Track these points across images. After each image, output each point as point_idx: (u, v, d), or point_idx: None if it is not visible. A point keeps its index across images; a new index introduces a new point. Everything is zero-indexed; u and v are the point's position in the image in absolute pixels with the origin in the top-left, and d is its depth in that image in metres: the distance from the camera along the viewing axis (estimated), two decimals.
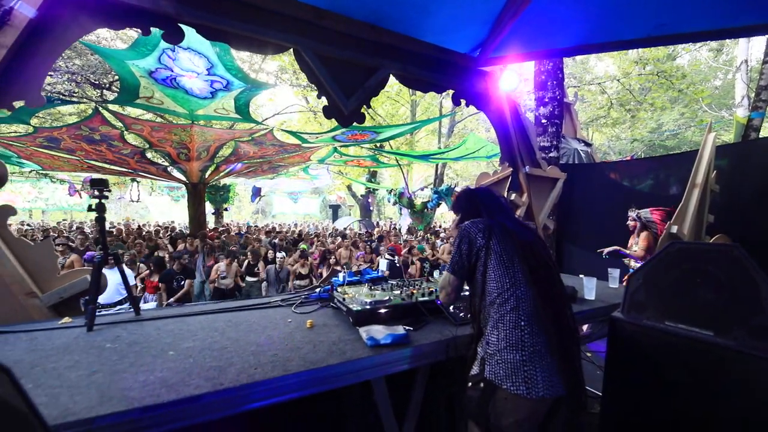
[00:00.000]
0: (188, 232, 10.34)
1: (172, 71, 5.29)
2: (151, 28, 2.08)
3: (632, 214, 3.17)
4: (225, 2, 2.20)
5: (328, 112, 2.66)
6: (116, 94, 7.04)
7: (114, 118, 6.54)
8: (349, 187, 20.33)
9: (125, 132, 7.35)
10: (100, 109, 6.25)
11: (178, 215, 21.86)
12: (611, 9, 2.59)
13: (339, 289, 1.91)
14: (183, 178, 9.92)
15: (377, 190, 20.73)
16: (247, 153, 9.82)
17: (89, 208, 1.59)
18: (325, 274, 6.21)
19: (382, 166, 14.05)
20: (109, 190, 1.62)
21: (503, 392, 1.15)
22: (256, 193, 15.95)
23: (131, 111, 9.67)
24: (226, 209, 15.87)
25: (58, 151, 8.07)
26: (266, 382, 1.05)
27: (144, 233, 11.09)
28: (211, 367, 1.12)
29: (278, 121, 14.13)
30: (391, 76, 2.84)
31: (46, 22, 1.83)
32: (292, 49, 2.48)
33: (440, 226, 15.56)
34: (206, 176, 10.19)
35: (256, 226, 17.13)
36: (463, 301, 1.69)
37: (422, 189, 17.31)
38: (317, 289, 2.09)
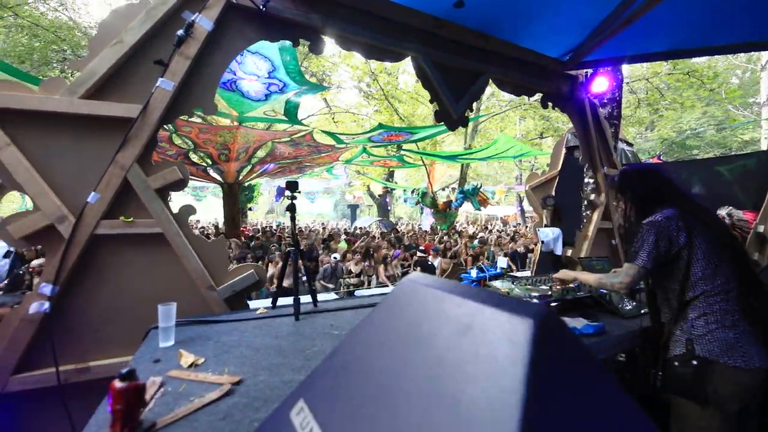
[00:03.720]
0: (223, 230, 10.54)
1: (235, 74, 5.45)
2: (300, 40, 2.22)
3: (722, 212, 3.25)
4: (361, 15, 2.33)
5: (438, 117, 2.78)
6: None
7: None
8: (368, 187, 20.47)
9: (173, 134, 7.54)
10: None
11: (202, 215, 22.18)
12: (717, 14, 2.67)
13: (489, 284, 2.03)
14: (219, 178, 10.13)
15: (394, 189, 20.83)
16: (282, 154, 10.00)
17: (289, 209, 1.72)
18: (377, 273, 6.34)
19: (408, 166, 14.16)
20: (299, 192, 1.75)
21: (721, 366, 1.28)
22: (281, 192, 16.12)
23: None
24: (250, 209, 16.10)
25: None
26: None
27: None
28: None
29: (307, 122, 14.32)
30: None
31: (218, 34, 1.97)
32: (410, 57, 2.61)
33: (472, 225, 15.63)
34: (241, 176, 10.39)
35: (278, 226, 17.31)
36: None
37: (443, 189, 17.38)
38: None
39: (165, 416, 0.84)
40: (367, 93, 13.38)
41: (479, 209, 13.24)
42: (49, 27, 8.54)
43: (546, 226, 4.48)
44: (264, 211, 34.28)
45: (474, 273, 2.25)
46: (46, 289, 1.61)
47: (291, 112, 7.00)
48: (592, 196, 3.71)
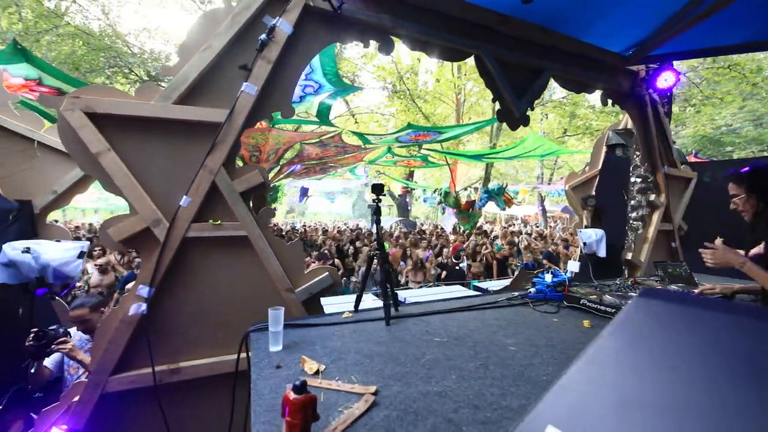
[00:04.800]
0: None
1: None
2: (370, 41, 2.20)
3: None
4: (427, 15, 2.29)
5: (500, 116, 2.71)
6: None
7: None
8: (388, 187, 20.43)
9: None
10: None
11: None
12: None
13: (574, 290, 1.95)
14: None
15: (413, 189, 20.72)
16: (310, 155, 10.09)
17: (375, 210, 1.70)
18: (412, 273, 6.29)
19: (431, 166, 14.05)
20: (384, 194, 1.73)
21: None
22: (304, 193, 16.33)
23: None
24: (275, 209, 16.33)
25: None
26: None
27: None
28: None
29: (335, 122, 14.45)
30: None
31: (295, 38, 1.97)
32: (473, 56, 2.55)
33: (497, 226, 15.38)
34: (270, 177, 10.56)
35: (304, 225, 17.50)
36: None
37: (465, 189, 17.17)
38: (531, 289, 2.14)
39: (324, 429, 0.82)
40: (393, 93, 13.34)
41: (504, 209, 13.02)
42: (97, 36, 8.93)
43: (586, 227, 4.34)
44: (284, 211, 34.81)
45: (549, 278, 2.18)
46: (143, 291, 1.64)
47: (323, 113, 7.04)
48: (652, 197, 3.55)
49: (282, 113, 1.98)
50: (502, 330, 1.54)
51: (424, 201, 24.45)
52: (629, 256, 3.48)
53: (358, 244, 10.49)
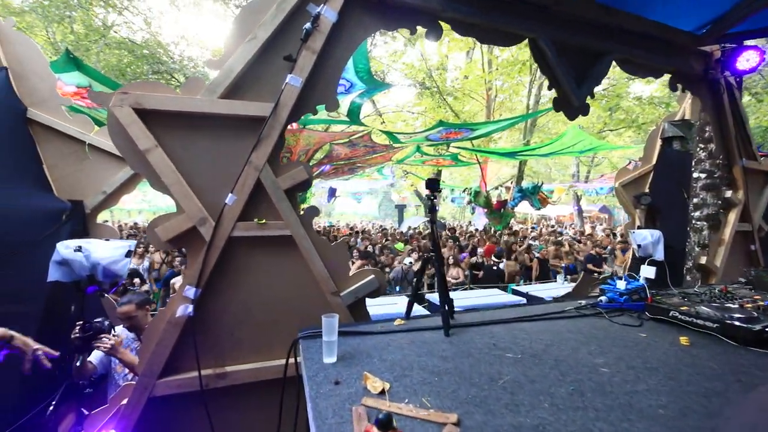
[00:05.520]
0: None
1: None
2: (417, 27, 2.05)
3: None
4: None
5: (557, 105, 2.48)
6: None
7: None
8: (415, 187, 20.20)
9: None
10: None
11: None
12: None
13: (660, 300, 1.70)
14: None
15: (441, 189, 20.35)
16: (339, 155, 10.09)
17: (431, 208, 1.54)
18: (458, 274, 6.07)
19: (460, 165, 13.69)
20: (439, 190, 1.57)
21: None
22: (332, 193, 16.46)
23: None
24: (303, 209, 16.55)
25: None
26: None
27: None
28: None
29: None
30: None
31: (340, 26, 1.85)
32: (527, 40, 2.34)
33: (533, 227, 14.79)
34: None
35: (336, 226, 17.68)
36: None
37: (496, 188, 16.62)
38: (601, 297, 1.90)
39: None
40: (422, 90, 13.11)
41: (539, 208, 12.43)
42: (140, 45, 9.47)
43: (639, 227, 3.95)
44: None
45: (621, 284, 1.92)
46: (190, 292, 1.59)
47: (354, 112, 6.97)
48: (728, 194, 3.14)
49: (326, 106, 1.88)
50: (583, 346, 1.33)
51: (452, 201, 23.97)
52: (703, 260, 3.10)
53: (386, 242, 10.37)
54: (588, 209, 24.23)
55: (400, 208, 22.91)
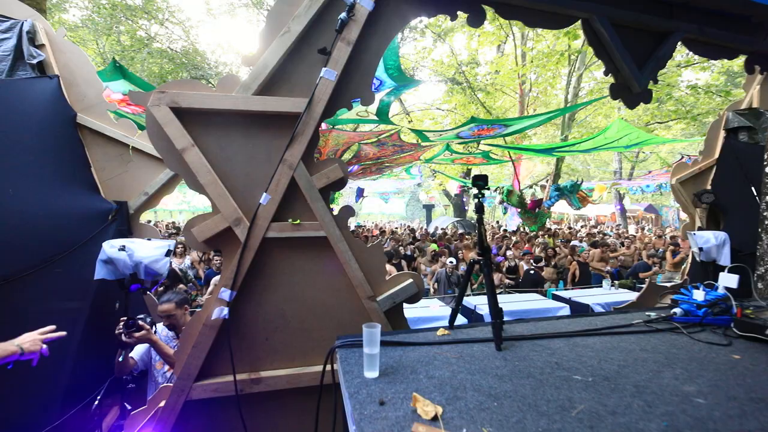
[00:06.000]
0: None
1: None
2: (458, 13, 1.90)
3: None
4: None
5: (615, 92, 2.23)
6: None
7: None
8: (444, 187, 19.85)
9: None
10: None
11: None
12: None
13: (750, 313, 1.45)
14: None
15: (471, 188, 19.83)
16: (367, 154, 10.07)
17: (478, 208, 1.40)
18: (500, 279, 5.82)
19: (492, 163, 13.24)
20: (487, 188, 1.42)
21: None
22: (360, 193, 16.53)
23: None
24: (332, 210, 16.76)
25: None
26: None
27: None
28: None
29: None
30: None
31: (375, 16, 1.74)
32: (580, 21, 2.12)
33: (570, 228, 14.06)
34: None
35: (365, 227, 17.76)
36: None
37: (530, 187, 15.94)
38: (675, 310, 1.65)
39: None
40: (452, 87, 12.80)
41: (579, 208, 11.73)
42: (181, 54, 10.01)
43: (700, 228, 3.53)
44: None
45: (699, 294, 1.67)
46: (225, 294, 1.55)
47: (383, 111, 6.89)
48: None
49: (362, 100, 1.78)
50: (665, 369, 1.13)
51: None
52: None
53: (417, 244, 10.21)
54: (632, 208, 22.63)
55: (428, 208, 22.61)
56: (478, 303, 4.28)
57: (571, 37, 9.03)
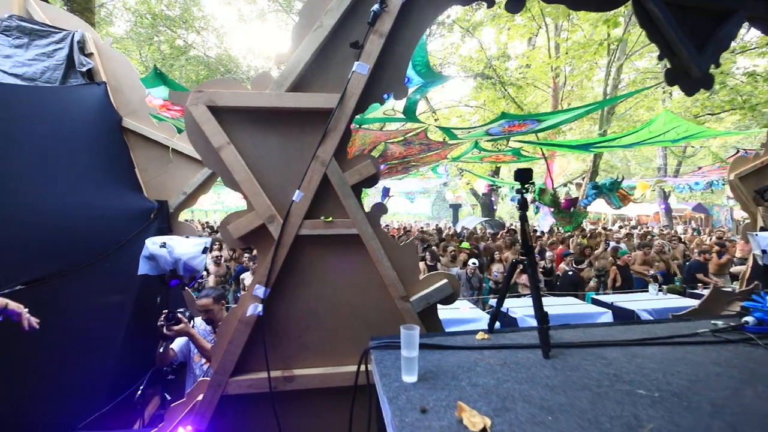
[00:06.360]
0: None
1: None
2: None
3: None
4: None
5: (671, 77, 2.03)
6: None
7: None
8: (471, 186, 19.40)
9: None
10: None
11: None
12: None
13: None
14: None
15: (500, 187, 19.25)
16: (394, 154, 10.02)
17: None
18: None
19: (524, 160, 12.73)
20: (532, 182, 1.32)
21: None
22: (386, 193, 16.50)
23: None
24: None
25: None
26: None
27: None
28: None
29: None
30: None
31: (409, 5, 1.68)
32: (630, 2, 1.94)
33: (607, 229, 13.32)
34: None
35: (390, 226, 17.78)
36: None
37: (564, 185, 15.21)
38: (746, 318, 1.46)
39: None
40: (481, 82, 12.46)
41: (619, 207, 11.03)
42: (216, 61, 10.52)
43: (763, 228, 3.17)
44: None
45: None
46: (259, 291, 1.55)
47: (410, 109, 6.80)
48: None
49: (395, 94, 1.73)
50: (745, 386, 0.99)
51: (512, 200, 22.54)
52: None
53: (443, 244, 10.04)
54: (678, 208, 21.01)
55: (455, 208, 22.20)
56: (511, 306, 4.10)
57: (611, 25, 8.47)
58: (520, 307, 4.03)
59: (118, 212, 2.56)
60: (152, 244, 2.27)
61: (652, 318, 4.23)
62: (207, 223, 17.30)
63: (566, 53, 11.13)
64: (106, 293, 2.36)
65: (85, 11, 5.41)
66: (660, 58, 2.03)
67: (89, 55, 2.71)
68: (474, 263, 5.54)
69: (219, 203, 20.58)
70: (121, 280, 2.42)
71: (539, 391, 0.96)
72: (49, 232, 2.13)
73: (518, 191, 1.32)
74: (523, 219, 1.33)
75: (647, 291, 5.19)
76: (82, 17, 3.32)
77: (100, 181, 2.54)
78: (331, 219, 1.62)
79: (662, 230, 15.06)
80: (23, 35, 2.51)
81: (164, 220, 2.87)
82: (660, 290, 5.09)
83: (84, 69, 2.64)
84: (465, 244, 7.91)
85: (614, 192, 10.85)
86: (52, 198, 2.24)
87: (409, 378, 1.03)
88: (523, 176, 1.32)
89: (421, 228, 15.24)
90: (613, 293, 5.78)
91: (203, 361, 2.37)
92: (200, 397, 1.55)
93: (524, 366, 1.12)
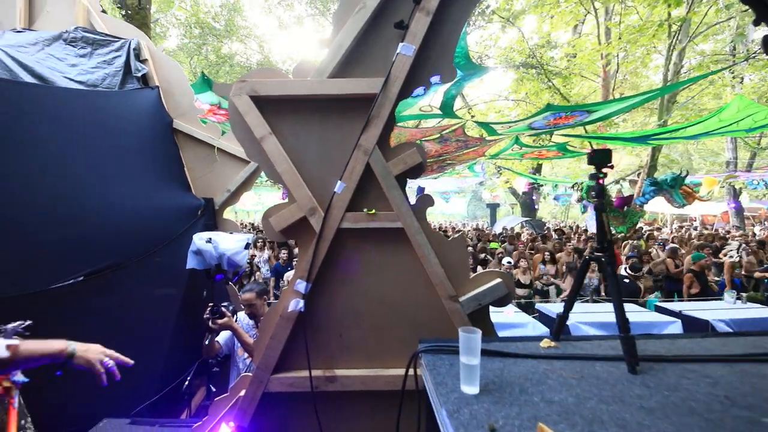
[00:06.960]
0: None
1: None
2: None
3: None
4: None
5: None
6: None
7: None
8: (510, 184, 18.58)
9: None
10: None
11: None
12: None
13: None
14: None
15: (542, 185, 18.23)
16: (429, 152, 9.79)
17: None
18: (560, 281, 5.24)
19: (570, 156, 11.93)
20: (611, 164, 1.13)
21: None
22: (420, 192, 16.31)
23: None
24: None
25: None
26: None
27: None
28: None
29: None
30: None
31: None
32: None
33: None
34: None
35: None
36: None
37: (616, 182, 14.06)
38: None
39: None
40: (524, 74, 11.86)
41: (683, 206, 9.94)
42: (257, 67, 11.02)
43: None
44: None
45: None
46: (301, 286, 1.50)
47: (448, 104, 6.59)
48: None
49: (442, 77, 1.60)
50: None
51: (555, 199, 21.25)
52: None
53: (480, 245, 9.66)
54: (751, 207, 18.62)
55: (493, 207, 21.38)
56: (558, 311, 3.77)
57: (673, 4, 7.64)
58: (572, 313, 3.69)
59: (170, 209, 2.67)
60: (199, 239, 2.33)
61: (730, 330, 3.70)
62: (251, 223, 18.13)
63: (619, 38, 10.23)
64: (157, 286, 2.46)
65: (142, 27, 5.86)
66: (755, 23, 1.70)
67: (144, 61, 2.87)
68: (509, 262, 5.21)
69: (260, 204, 21.57)
70: (171, 274, 2.52)
71: (633, 413, 0.79)
72: (108, 229, 2.25)
73: (592, 176, 1.14)
74: (600, 209, 1.14)
75: (722, 299, 4.57)
76: (139, 28, 3.58)
77: (153, 180, 2.66)
78: (374, 211, 1.53)
79: (729, 232, 13.37)
80: (87, 45, 2.70)
81: (210, 217, 2.96)
82: (738, 298, 4.45)
83: (139, 74, 2.79)
84: (494, 244, 7.51)
85: (677, 189, 9.81)
86: (111, 196, 2.37)
87: (471, 389, 0.90)
88: (601, 158, 1.13)
89: (458, 228, 14.83)
90: (678, 300, 5.17)
91: (246, 355, 2.39)
92: (242, 393, 1.53)
93: (607, 381, 0.94)
